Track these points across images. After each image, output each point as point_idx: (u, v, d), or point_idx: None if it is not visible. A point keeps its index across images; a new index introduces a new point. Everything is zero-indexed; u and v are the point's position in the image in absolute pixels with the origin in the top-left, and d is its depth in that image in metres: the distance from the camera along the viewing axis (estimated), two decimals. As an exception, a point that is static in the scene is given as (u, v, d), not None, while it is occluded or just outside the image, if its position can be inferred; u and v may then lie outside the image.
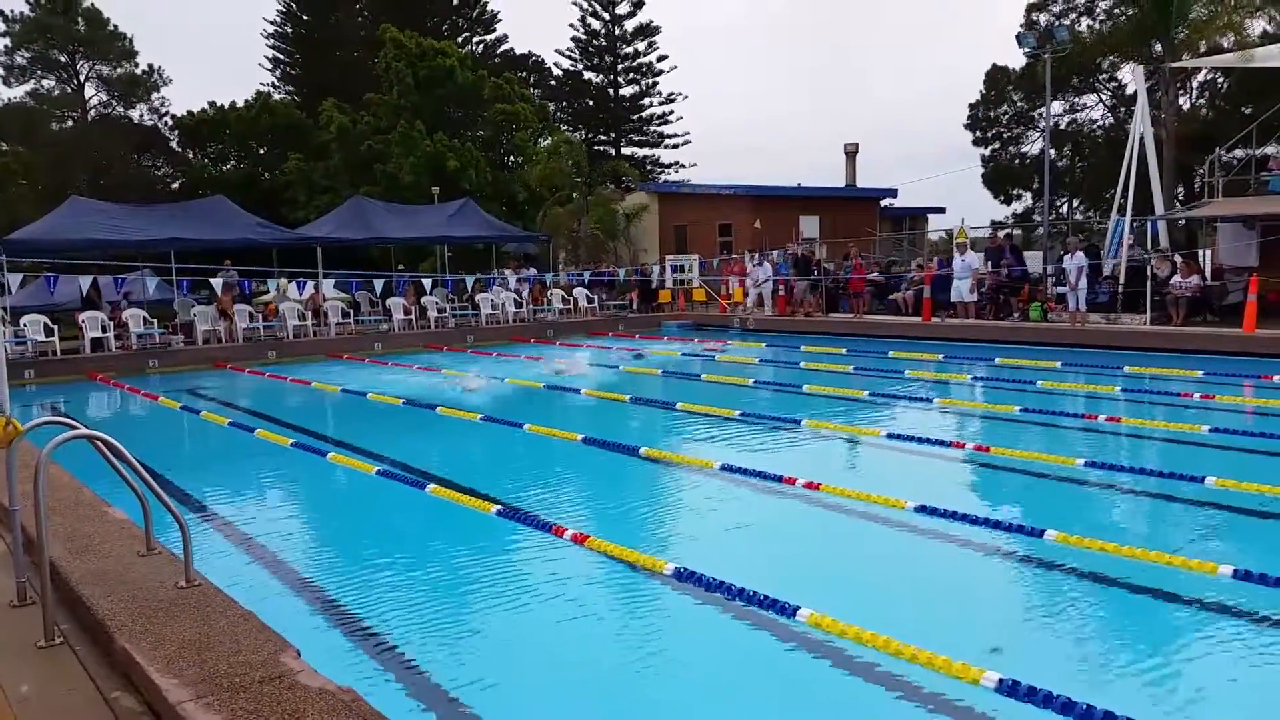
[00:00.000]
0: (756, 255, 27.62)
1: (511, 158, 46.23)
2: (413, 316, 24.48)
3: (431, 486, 8.53)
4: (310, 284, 23.28)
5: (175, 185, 49.00)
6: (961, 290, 21.48)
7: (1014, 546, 6.66)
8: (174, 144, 51.11)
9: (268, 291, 23.64)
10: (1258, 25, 31.26)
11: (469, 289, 26.09)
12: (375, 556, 6.94)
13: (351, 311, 24.30)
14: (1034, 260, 23.33)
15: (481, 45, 56.89)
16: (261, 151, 50.34)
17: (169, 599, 4.56)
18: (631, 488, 9.15)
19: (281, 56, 56.54)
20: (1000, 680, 4.37)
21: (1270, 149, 23.76)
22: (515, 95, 44.62)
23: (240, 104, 48.82)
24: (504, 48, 57.94)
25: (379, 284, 24.76)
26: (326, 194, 40.82)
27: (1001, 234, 25.10)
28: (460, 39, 53.48)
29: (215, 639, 4.06)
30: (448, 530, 7.62)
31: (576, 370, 17.38)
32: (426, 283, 25.64)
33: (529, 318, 26.53)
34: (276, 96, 52.78)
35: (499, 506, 7.79)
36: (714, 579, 5.83)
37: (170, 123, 50.42)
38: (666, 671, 4.93)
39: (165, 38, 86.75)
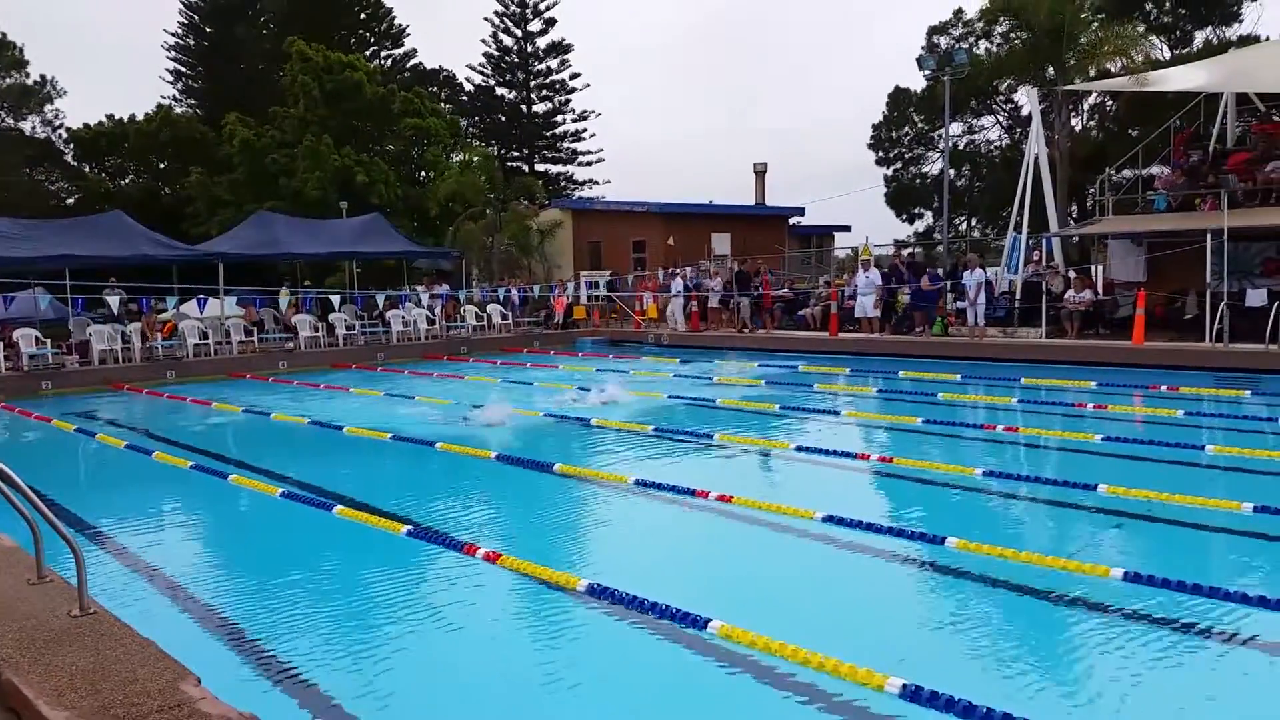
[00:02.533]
0: (673, 272, 27.91)
1: (423, 173, 45.78)
2: (320, 334, 23.99)
3: (339, 508, 8.37)
4: (212, 301, 22.70)
5: (70, 200, 47.15)
6: (866, 306, 21.98)
7: (917, 554, 6.85)
8: (69, 158, 49.20)
9: (166, 309, 22.97)
10: (1142, 52, 32.84)
11: (379, 305, 25.71)
12: (280, 580, 6.78)
13: (255, 329, 23.70)
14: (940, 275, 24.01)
15: (390, 59, 56.26)
16: (162, 166, 48.85)
17: (61, 628, 4.39)
18: (546, 505, 9.12)
19: (183, 69, 55.03)
20: (904, 686, 4.48)
21: (1155, 169, 24.95)
22: (426, 110, 44.26)
23: (140, 117, 47.34)
24: (413, 62, 57.42)
25: (284, 301, 24.23)
26: (230, 209, 39.82)
27: (906, 251, 25.80)
28: (369, 53, 52.82)
29: (110, 668, 3.92)
30: (356, 552, 7.48)
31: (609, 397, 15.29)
32: (334, 299, 25.17)
33: (442, 334, 26.24)
34: (178, 110, 51.32)
35: (409, 526, 7.69)
36: (627, 594, 5.86)
37: (65, 136, 48.56)
38: (579, 687, 4.92)
39: (59, 48, 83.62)
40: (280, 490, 9.24)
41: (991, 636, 5.49)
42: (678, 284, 26.80)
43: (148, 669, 3.92)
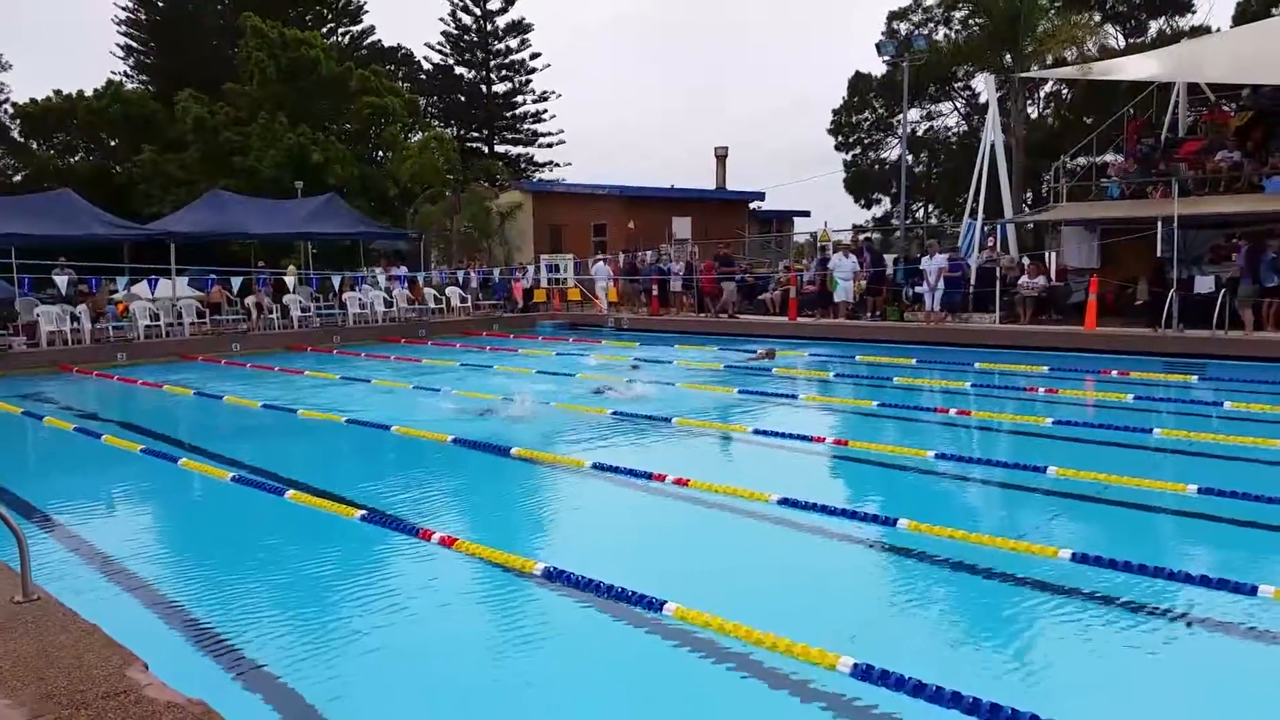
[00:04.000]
0: (596, 258, 28.67)
1: (381, 153, 45.30)
2: (275, 316, 23.67)
3: (291, 492, 8.28)
4: (163, 282, 22.31)
5: (17, 178, 46.07)
6: (847, 290, 21.97)
7: (870, 535, 6.92)
8: (15, 134, 48.03)
9: (117, 290, 22.54)
10: (1098, 40, 33.32)
11: (335, 287, 25.42)
12: (231, 566, 6.69)
13: (207, 311, 23.32)
14: (891, 262, 24.20)
15: (348, 36, 55.48)
16: (113, 143, 47.88)
17: (3, 615, 4.30)
18: (503, 488, 9.10)
19: (134, 44, 53.83)
20: (855, 665, 4.53)
21: (1109, 157, 25.36)
22: (384, 88, 43.75)
23: (89, 93, 46.26)
24: (371, 39, 56.65)
25: (237, 282, 23.88)
26: (182, 188, 39.16)
27: (863, 237, 25.96)
28: (325, 29, 52.02)
29: (55, 655, 3.85)
30: (308, 537, 7.40)
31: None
32: (289, 280, 24.81)
33: (399, 317, 26.00)
34: (129, 86, 50.22)
35: (364, 511, 7.62)
36: (583, 577, 5.86)
37: (11, 111, 47.40)
38: (535, 671, 4.92)
39: (5, 21, 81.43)
40: (232, 475, 9.12)
41: (941, 616, 5.57)
42: (599, 268, 27.54)
43: (94, 655, 3.86)
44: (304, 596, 6.02)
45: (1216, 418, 11.63)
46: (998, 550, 6.40)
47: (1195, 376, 14.33)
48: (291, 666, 4.88)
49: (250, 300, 23.89)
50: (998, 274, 20.25)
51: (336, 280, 25.39)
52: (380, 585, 6.22)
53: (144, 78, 53.70)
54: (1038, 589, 5.82)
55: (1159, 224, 17.82)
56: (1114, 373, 14.80)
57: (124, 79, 51.78)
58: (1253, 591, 5.51)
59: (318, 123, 41.50)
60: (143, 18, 53.07)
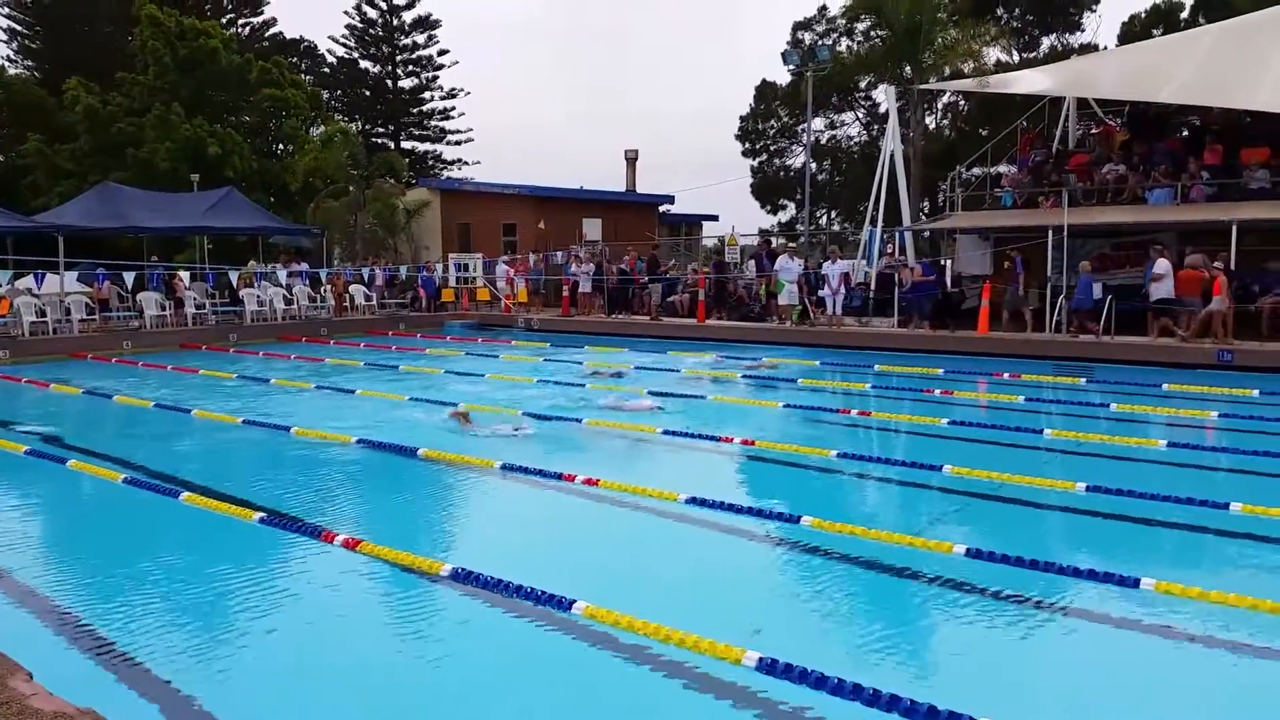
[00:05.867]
0: (494, 260, 29.05)
1: (281, 146, 44.17)
2: (167, 313, 22.87)
3: (186, 494, 8.02)
4: (50, 277, 21.35)
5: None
6: (792, 293, 21.96)
7: (775, 532, 7.05)
8: (-115, 117, 45.43)
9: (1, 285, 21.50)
10: (993, 55, 34.55)
11: (233, 283, 24.65)
12: (123, 570, 6.45)
13: (97, 307, 22.40)
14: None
15: (248, 27, 53.98)
16: (-6, 131, 45.67)
17: (-127, 624, 4.08)
18: (409, 490, 8.98)
19: (20, 28, 51.39)
20: (760, 659, 4.62)
21: (1003, 168, 26.25)
22: (285, 80, 42.70)
23: (-31, 77, 44.05)
24: (273, 31, 55.21)
25: (129, 277, 22.99)
26: (72, 179, 37.58)
27: (776, 242, 26.36)
28: (225, 20, 50.49)
29: (-70, 665, 3.68)
30: (204, 540, 7.18)
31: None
32: (185, 276, 23.99)
33: (300, 315, 25.35)
34: (13, 71, 47.93)
35: (262, 513, 7.43)
36: (492, 577, 5.83)
37: (-119, 94, 44.76)
38: (444, 672, 4.88)
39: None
40: (123, 476, 8.80)
41: (843, 610, 5.71)
42: (501, 268, 28.37)
43: (-27, 664, 3.69)
44: (199, 601, 5.84)
45: (1103, 419, 12.16)
46: (896, 546, 6.59)
47: (1083, 379, 14.95)
48: (185, 673, 4.73)
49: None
50: (896, 280, 20.77)
51: (234, 276, 24.65)
52: (279, 589, 6.08)
53: (30, 63, 51.33)
54: (934, 584, 6.00)
55: (1050, 233, 18.51)
56: (1005, 375, 15.34)
57: (7, 64, 49.45)
58: (1135, 584, 5.78)
59: (216, 114, 40.29)
60: (29, 0, 50.73)
